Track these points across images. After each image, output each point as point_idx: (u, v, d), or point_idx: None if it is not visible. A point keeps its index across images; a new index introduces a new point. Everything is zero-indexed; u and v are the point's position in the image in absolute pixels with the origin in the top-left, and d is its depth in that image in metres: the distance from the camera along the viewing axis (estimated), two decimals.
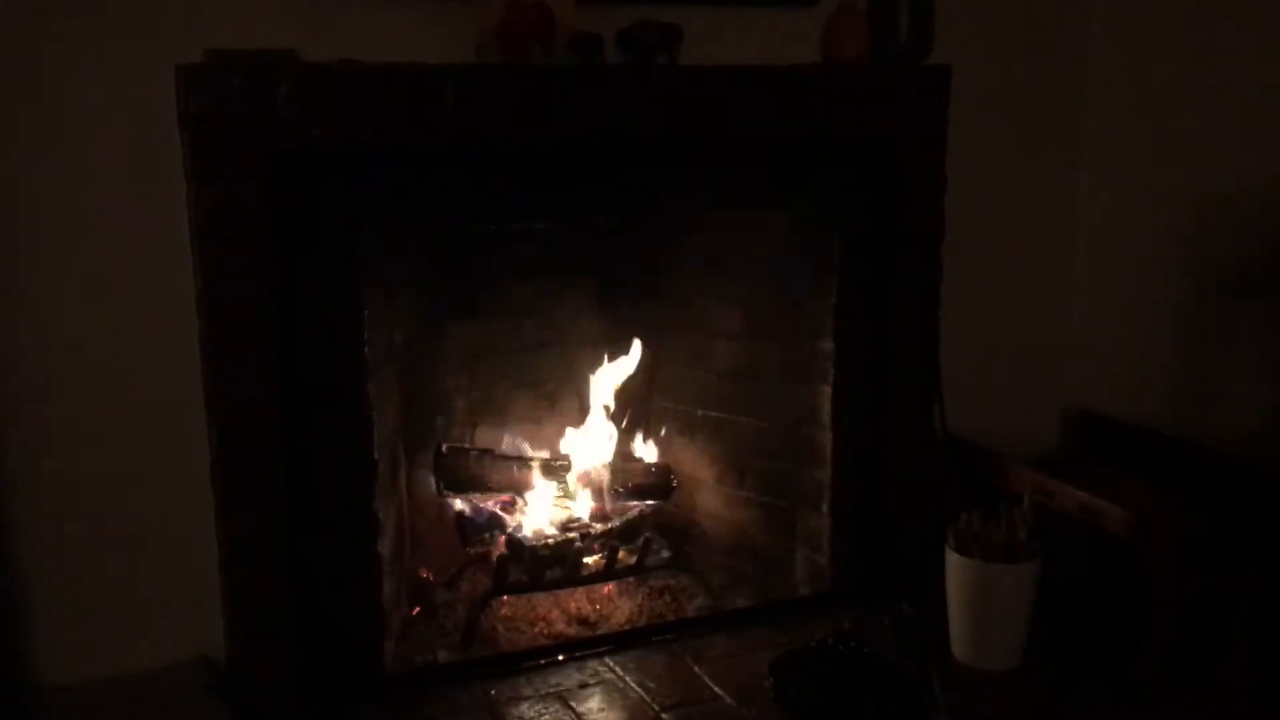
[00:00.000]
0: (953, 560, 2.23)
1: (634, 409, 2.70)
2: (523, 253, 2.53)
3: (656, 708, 2.10)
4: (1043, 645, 2.25)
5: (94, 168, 1.92)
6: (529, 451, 2.61)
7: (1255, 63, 2.37)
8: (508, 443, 2.62)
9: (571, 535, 2.48)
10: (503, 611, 2.45)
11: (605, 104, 2.11)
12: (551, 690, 2.17)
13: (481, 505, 2.52)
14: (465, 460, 2.50)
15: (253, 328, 1.92)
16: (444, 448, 2.49)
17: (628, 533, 2.54)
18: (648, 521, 2.58)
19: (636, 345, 2.65)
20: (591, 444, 2.63)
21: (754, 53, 2.27)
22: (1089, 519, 2.24)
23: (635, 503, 2.59)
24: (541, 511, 2.54)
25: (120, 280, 1.97)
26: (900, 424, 2.47)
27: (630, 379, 2.66)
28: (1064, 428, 2.84)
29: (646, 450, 2.71)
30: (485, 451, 2.55)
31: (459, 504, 2.51)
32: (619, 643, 2.34)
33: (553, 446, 2.63)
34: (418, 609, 2.46)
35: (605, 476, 2.59)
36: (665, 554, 2.59)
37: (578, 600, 2.51)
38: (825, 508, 2.48)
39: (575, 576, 2.47)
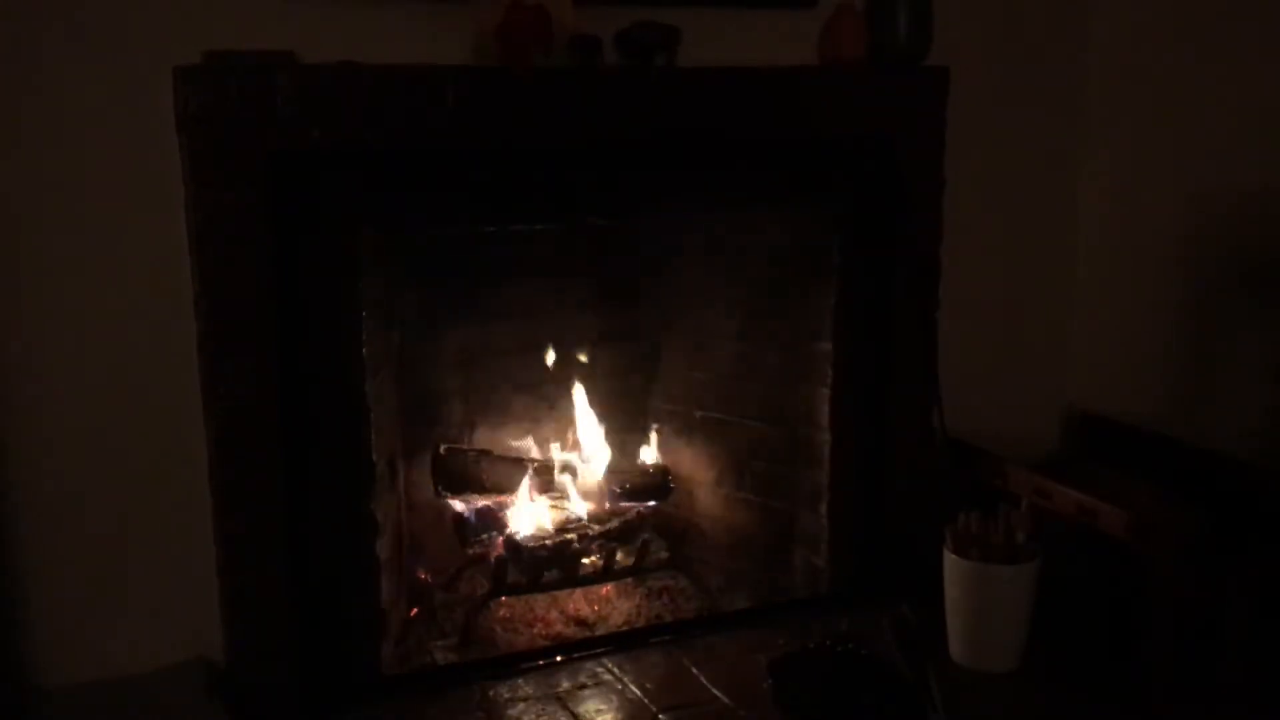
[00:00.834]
0: (951, 562, 2.23)
1: (632, 410, 2.69)
2: (521, 254, 2.53)
3: (654, 709, 2.10)
4: (1041, 647, 2.25)
5: (92, 169, 1.92)
6: (527, 453, 2.61)
7: (1255, 63, 2.37)
8: (506, 444, 2.61)
9: (569, 536, 2.48)
10: (501, 612, 2.46)
11: (604, 105, 2.11)
12: (549, 691, 2.17)
13: (480, 506, 2.52)
14: (463, 461, 2.51)
15: (251, 329, 1.92)
16: (442, 449, 2.50)
17: (626, 534, 2.54)
18: (646, 522, 2.59)
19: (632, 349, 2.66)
20: (590, 445, 2.63)
21: (752, 54, 2.27)
22: (1087, 520, 2.24)
23: (633, 504, 2.59)
24: (539, 512, 2.54)
25: (119, 281, 1.96)
26: (899, 425, 2.47)
27: (629, 380, 2.66)
28: (1064, 429, 2.84)
29: (645, 451, 2.71)
30: (483, 453, 2.55)
31: (457, 505, 2.51)
32: (617, 644, 2.34)
33: (551, 447, 2.63)
34: (416, 610, 2.46)
35: (603, 477, 2.59)
36: (663, 555, 2.60)
37: (576, 601, 2.51)
38: (824, 509, 2.48)
39: (573, 577, 2.47)
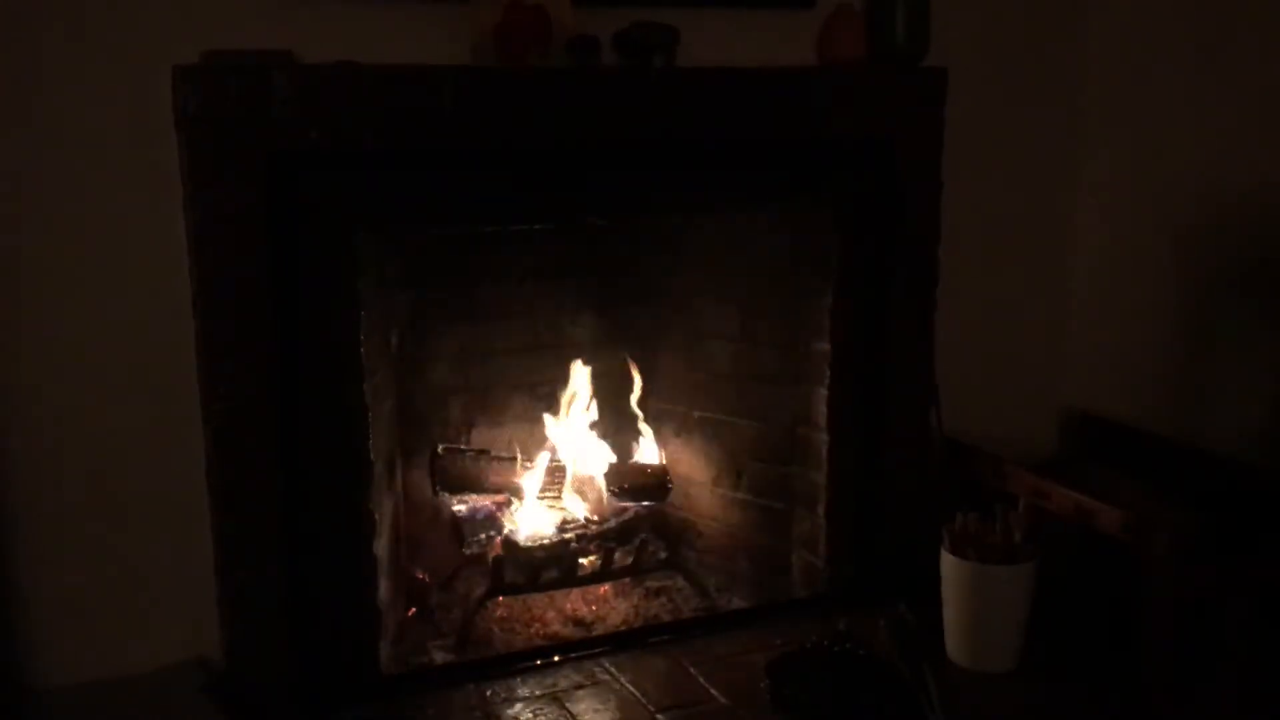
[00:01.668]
0: (949, 562, 2.23)
1: (630, 410, 2.69)
2: (519, 254, 2.54)
3: (652, 709, 2.10)
4: (1039, 647, 2.25)
5: (91, 169, 1.92)
6: (525, 453, 2.61)
7: (1254, 63, 2.37)
8: (504, 444, 2.61)
9: (567, 536, 2.48)
10: (499, 612, 2.46)
11: (603, 105, 2.11)
12: (547, 691, 2.17)
13: (478, 506, 2.52)
14: (461, 461, 2.51)
15: (249, 328, 1.92)
16: (440, 449, 2.50)
17: (624, 534, 2.54)
18: (644, 523, 2.59)
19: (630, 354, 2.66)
20: (588, 445, 2.63)
21: (751, 54, 2.28)
22: (1085, 520, 2.24)
23: (631, 504, 2.59)
24: (538, 512, 2.54)
25: (117, 281, 1.96)
26: (897, 426, 2.47)
27: (627, 380, 2.66)
28: (1062, 429, 2.84)
29: (643, 451, 2.70)
30: (481, 452, 2.55)
31: (455, 505, 2.51)
32: (615, 644, 2.34)
33: (549, 447, 2.63)
34: (413, 610, 2.46)
35: (601, 478, 2.59)
36: (661, 555, 2.59)
37: (574, 601, 2.51)
38: (821, 509, 2.48)
39: (571, 578, 2.47)
